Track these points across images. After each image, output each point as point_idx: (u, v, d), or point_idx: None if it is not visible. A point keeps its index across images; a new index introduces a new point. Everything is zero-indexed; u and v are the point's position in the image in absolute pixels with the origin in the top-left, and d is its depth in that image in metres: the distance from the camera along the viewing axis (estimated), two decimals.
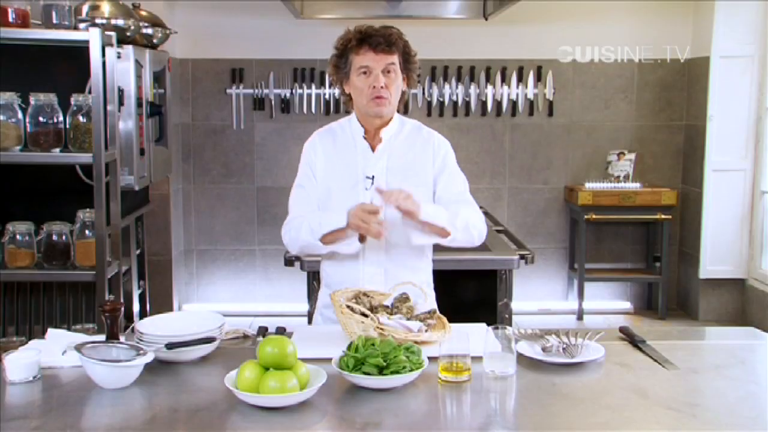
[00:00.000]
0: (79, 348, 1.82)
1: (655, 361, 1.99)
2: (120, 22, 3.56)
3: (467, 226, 2.34)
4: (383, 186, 2.34)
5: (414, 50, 2.41)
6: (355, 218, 2.21)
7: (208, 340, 1.99)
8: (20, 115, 3.15)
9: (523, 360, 1.95)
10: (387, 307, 2.15)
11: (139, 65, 3.77)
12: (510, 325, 3.20)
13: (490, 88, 5.58)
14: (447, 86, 5.57)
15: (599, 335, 2.10)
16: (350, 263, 2.40)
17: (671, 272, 5.72)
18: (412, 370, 1.79)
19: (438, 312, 2.21)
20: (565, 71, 5.61)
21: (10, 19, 3.14)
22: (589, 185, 5.51)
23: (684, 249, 5.73)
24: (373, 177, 2.38)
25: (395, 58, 2.34)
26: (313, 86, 5.55)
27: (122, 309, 2.05)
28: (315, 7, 5.15)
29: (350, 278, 2.38)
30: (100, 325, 3.18)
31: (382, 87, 2.32)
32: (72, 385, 1.84)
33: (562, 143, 5.69)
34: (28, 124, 3.15)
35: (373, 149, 2.42)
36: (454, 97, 5.58)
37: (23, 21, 3.19)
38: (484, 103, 5.60)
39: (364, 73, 2.33)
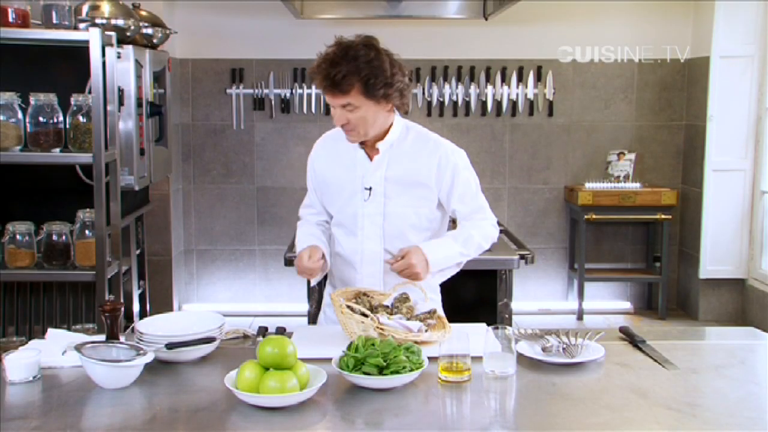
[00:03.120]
0: (79, 348, 1.82)
1: (655, 361, 1.99)
2: (120, 22, 3.56)
3: (480, 245, 2.39)
4: (381, 196, 2.30)
5: (386, 67, 2.17)
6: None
7: (208, 340, 1.99)
8: (20, 115, 3.15)
9: (523, 360, 1.95)
10: (387, 307, 2.15)
11: (139, 65, 3.76)
12: (510, 325, 3.20)
13: (490, 88, 5.57)
14: (447, 86, 5.56)
15: (599, 335, 2.10)
16: (349, 267, 2.38)
17: (671, 272, 5.71)
18: (412, 370, 1.79)
19: (438, 312, 2.21)
20: (565, 71, 5.61)
21: (10, 19, 3.14)
22: (589, 185, 5.51)
23: (684, 249, 5.73)
24: (370, 188, 2.32)
25: (348, 99, 2.17)
26: (313, 86, 5.55)
27: (122, 309, 2.05)
28: (315, 7, 5.15)
29: (350, 279, 2.37)
30: (100, 325, 3.18)
31: (344, 124, 2.23)
32: (72, 385, 1.84)
33: (562, 143, 5.68)
34: (28, 124, 3.15)
35: (371, 159, 2.33)
36: (454, 97, 5.58)
37: (23, 21, 3.18)
38: (484, 103, 5.59)
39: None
